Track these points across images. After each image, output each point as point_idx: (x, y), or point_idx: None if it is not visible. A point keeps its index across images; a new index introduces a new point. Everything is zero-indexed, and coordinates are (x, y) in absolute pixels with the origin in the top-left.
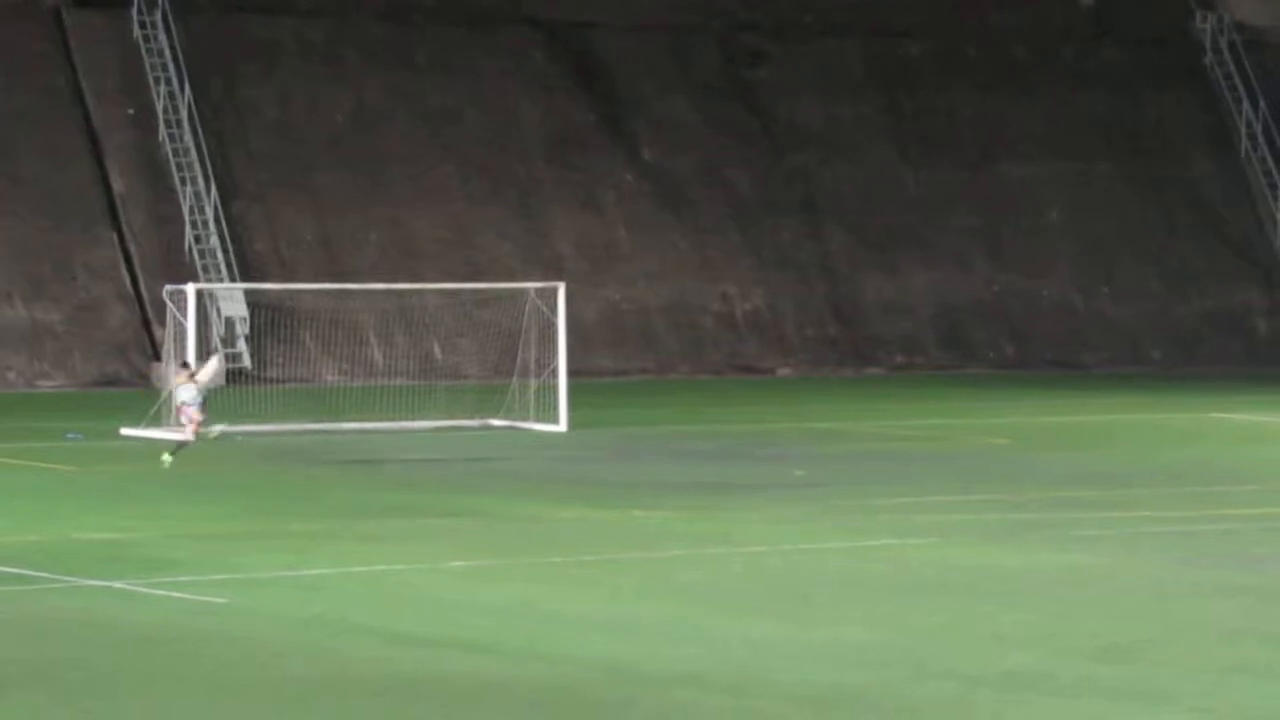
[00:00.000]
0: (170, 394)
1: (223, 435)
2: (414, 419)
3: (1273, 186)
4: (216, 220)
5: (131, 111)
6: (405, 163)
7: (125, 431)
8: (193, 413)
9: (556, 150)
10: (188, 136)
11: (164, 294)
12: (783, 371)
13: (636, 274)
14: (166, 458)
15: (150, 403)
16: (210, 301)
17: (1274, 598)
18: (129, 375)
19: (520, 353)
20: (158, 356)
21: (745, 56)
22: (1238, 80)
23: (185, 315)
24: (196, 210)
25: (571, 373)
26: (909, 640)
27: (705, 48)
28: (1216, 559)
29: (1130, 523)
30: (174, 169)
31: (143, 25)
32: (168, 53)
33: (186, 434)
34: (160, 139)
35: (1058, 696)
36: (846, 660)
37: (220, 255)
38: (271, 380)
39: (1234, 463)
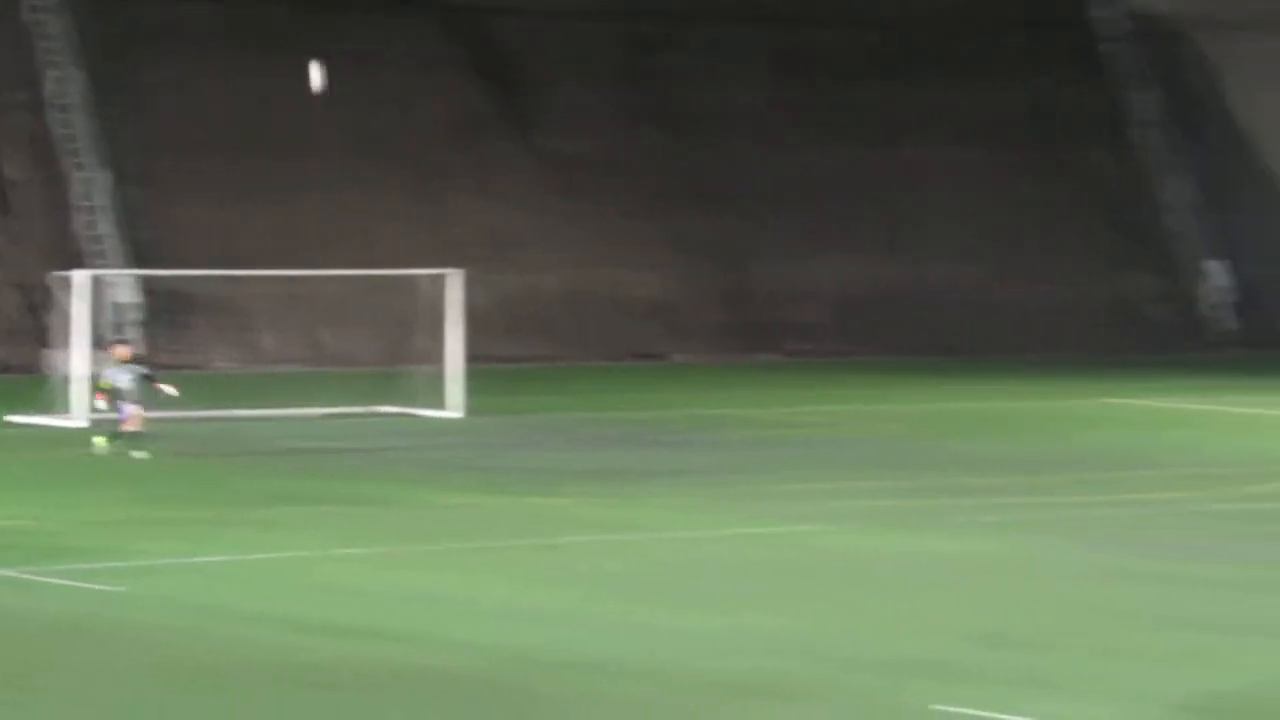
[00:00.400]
0: (89, 377)
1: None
2: (307, 406)
3: (1166, 173)
4: (108, 206)
5: (23, 96)
6: (302, 148)
7: (13, 419)
8: (130, 409)
9: (455, 136)
10: (80, 121)
11: (48, 280)
12: (680, 358)
13: (534, 260)
14: (100, 441)
15: (39, 389)
16: (101, 288)
17: (1168, 582)
18: (19, 362)
19: (415, 339)
20: (47, 343)
21: (646, 43)
22: (1133, 67)
23: (73, 302)
24: (88, 196)
25: (468, 359)
26: (803, 626)
27: (606, 33)
28: (1112, 544)
29: (1025, 509)
30: (65, 154)
31: (34, 8)
32: (59, 36)
33: (133, 424)
34: (51, 123)
35: (950, 681)
36: (744, 647)
37: (112, 241)
38: (163, 367)
39: (1129, 448)
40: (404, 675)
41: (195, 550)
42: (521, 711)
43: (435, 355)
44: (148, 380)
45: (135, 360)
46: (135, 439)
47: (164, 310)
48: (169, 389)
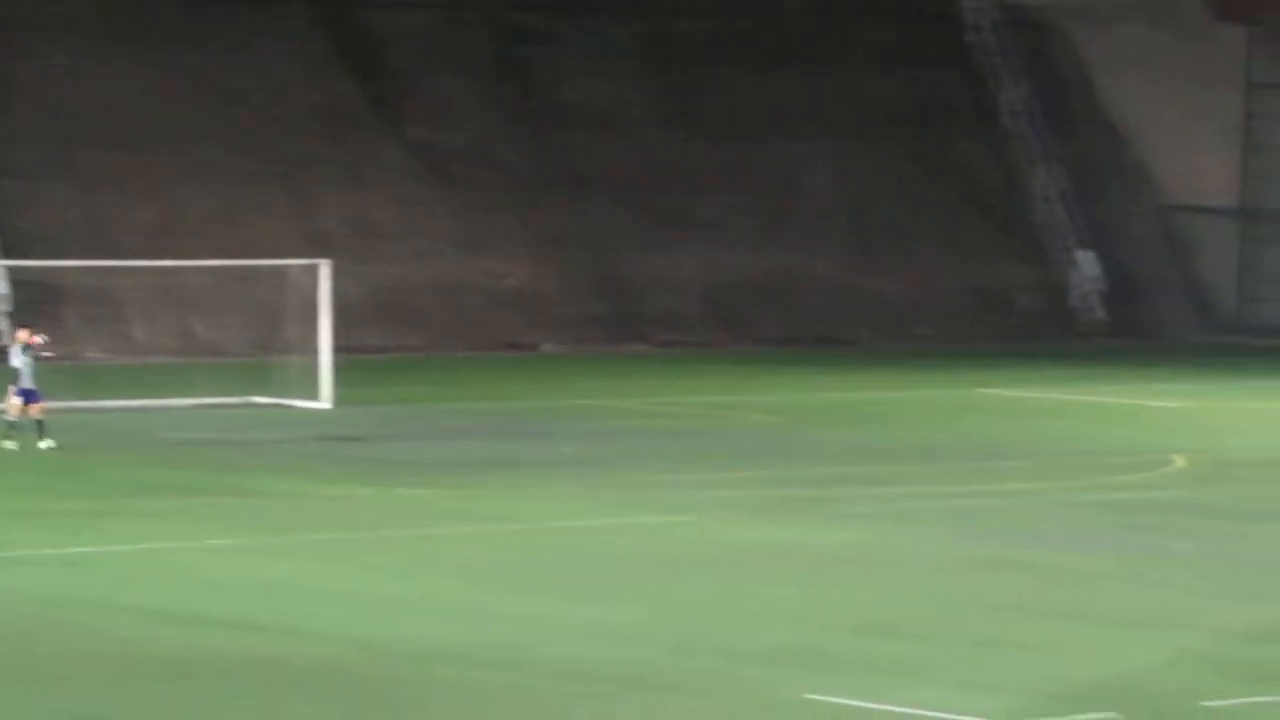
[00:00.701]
0: None
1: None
2: (179, 397)
3: (1036, 164)
4: None
5: None
6: (173, 139)
7: None
8: (16, 402)
9: (325, 127)
10: None
11: None
12: (550, 348)
13: (404, 251)
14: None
15: None
16: None
17: (1040, 573)
18: None
19: (287, 330)
20: None
21: (515, 34)
22: (1003, 58)
23: None
24: None
25: (339, 349)
26: (675, 617)
27: (476, 25)
28: (984, 534)
29: (898, 499)
30: None
31: None
32: None
33: (32, 412)
34: None
35: (823, 671)
36: (613, 637)
37: None
38: (33, 358)
39: (1000, 438)
40: (271, 666)
41: (62, 541)
42: (386, 702)
43: (307, 346)
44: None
45: (33, 345)
46: (22, 427)
47: (33, 301)
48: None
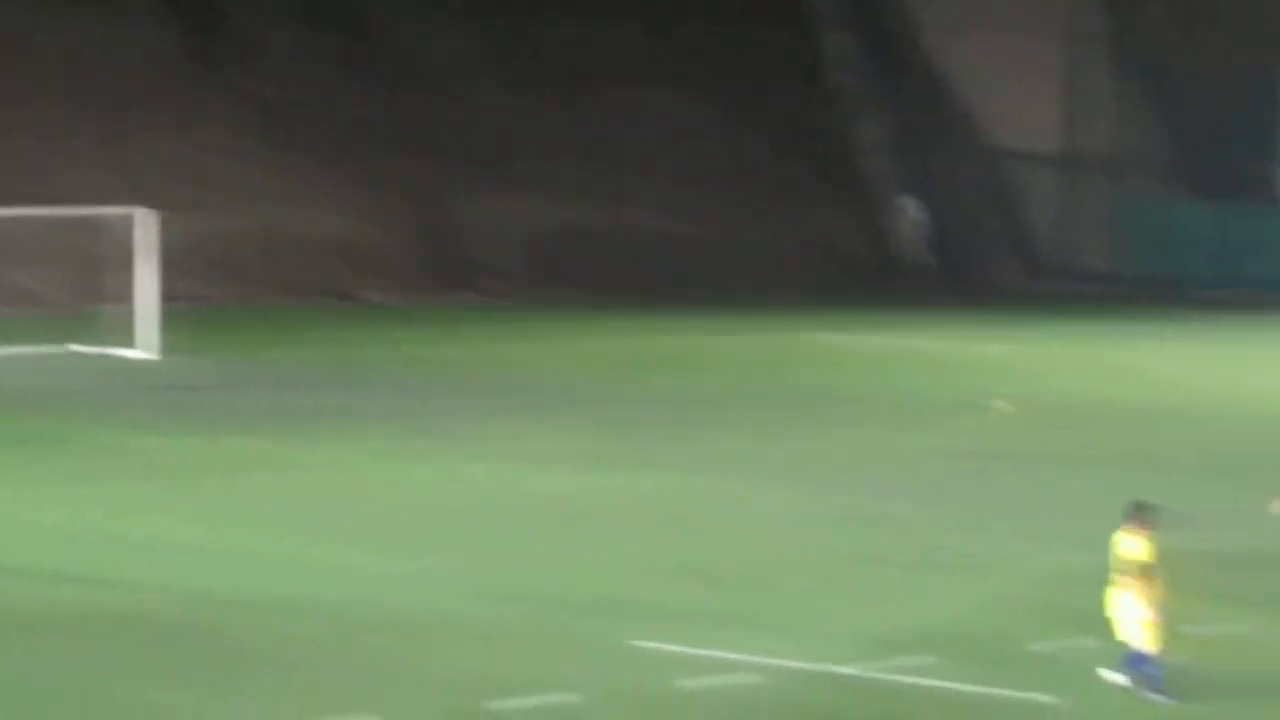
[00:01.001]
0: None
1: None
2: None
3: (863, 114)
4: None
5: None
6: None
7: None
8: None
9: (151, 78)
10: None
11: None
12: (374, 298)
13: (229, 201)
14: None
15: None
16: None
17: (866, 520)
18: None
19: (108, 279)
20: None
21: None
22: (829, 10)
23: None
24: None
25: (162, 299)
26: (498, 566)
27: None
28: (808, 481)
29: (723, 447)
30: None
31: None
32: None
33: None
34: None
35: (649, 619)
36: (436, 586)
37: None
38: None
39: (826, 385)
40: (90, 618)
41: None
42: (207, 651)
43: (129, 295)
44: None
45: None
46: None
47: None
48: None
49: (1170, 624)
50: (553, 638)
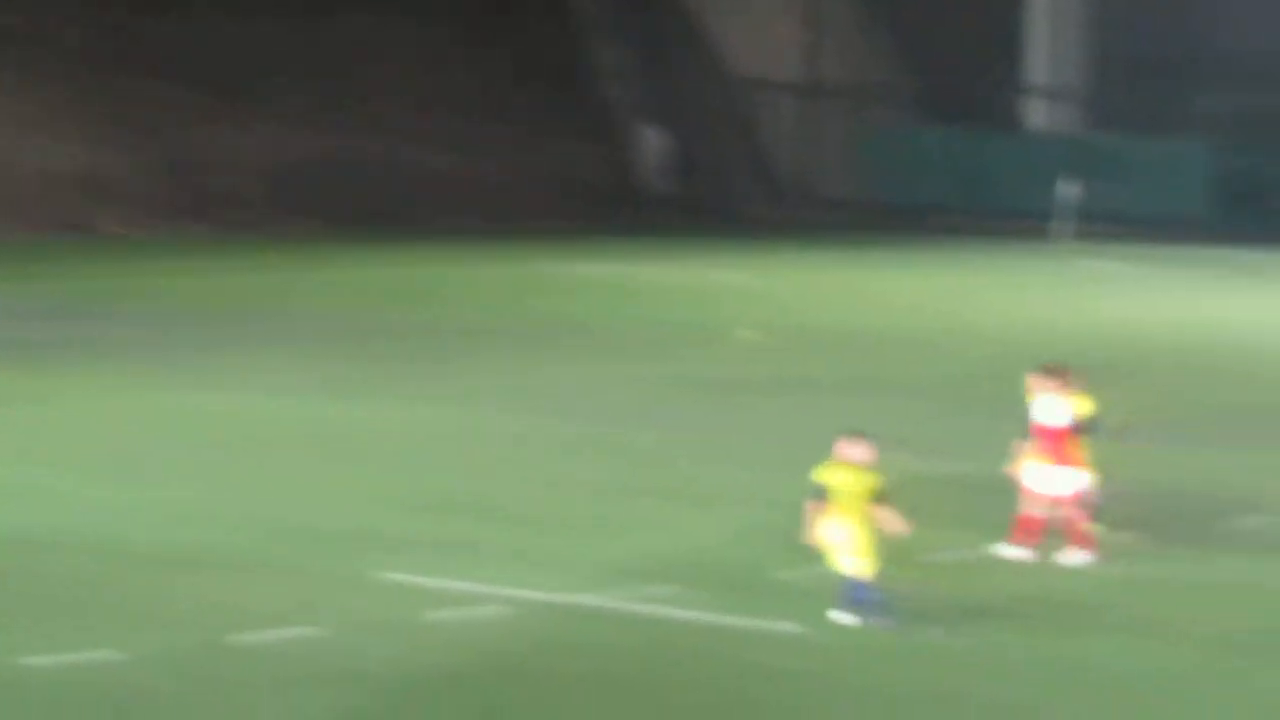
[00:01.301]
0: None
1: None
2: None
3: (604, 39)
4: None
5: None
6: None
7: None
8: None
9: None
10: None
11: None
12: (111, 229)
13: None
14: None
15: None
16: None
17: (606, 449)
18: None
19: None
20: None
21: None
22: None
23: None
24: None
25: None
26: (240, 498)
27: None
28: (549, 412)
29: (462, 378)
30: None
31: None
32: None
33: None
34: None
35: (393, 551)
36: (182, 519)
37: None
38: None
39: (567, 315)
40: None
41: None
42: None
43: None
44: None
45: None
46: None
47: None
48: None
49: (900, 551)
50: (297, 570)
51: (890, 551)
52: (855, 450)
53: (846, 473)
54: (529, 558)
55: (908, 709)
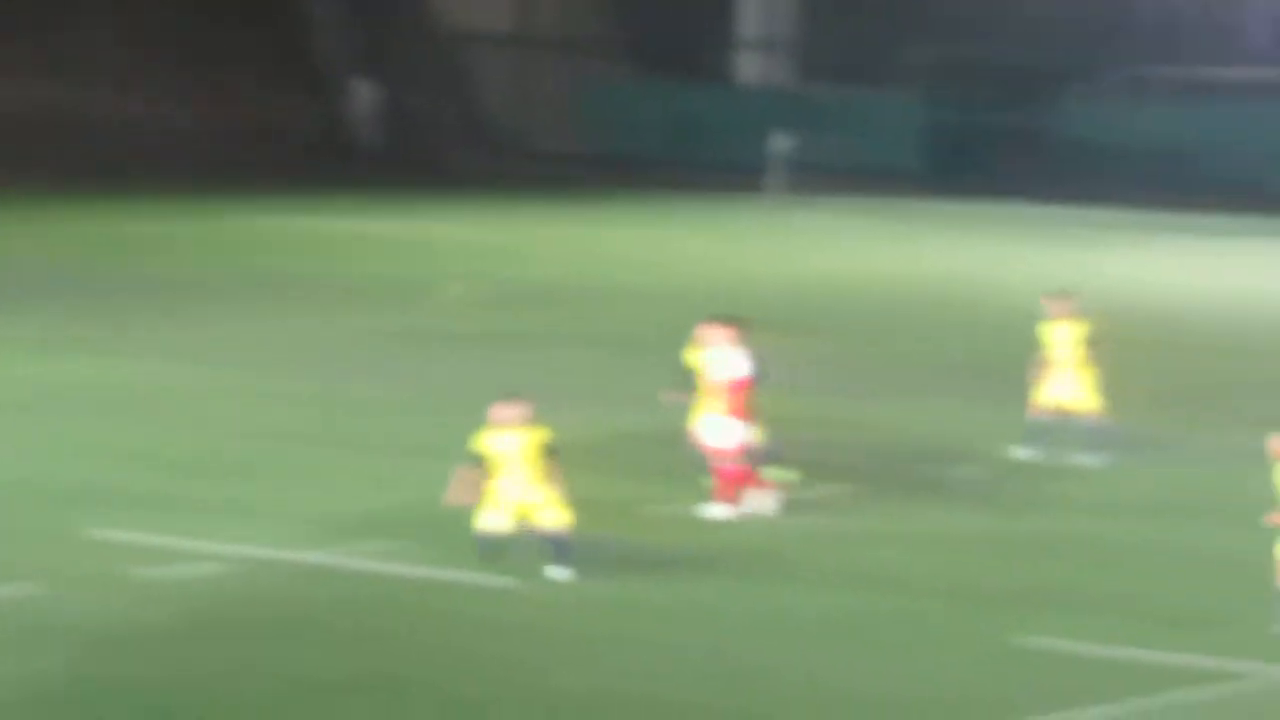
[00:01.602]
0: None
1: None
2: None
3: None
4: None
5: None
6: None
7: None
8: None
9: None
10: None
11: None
12: None
13: None
14: None
15: None
16: None
17: (324, 404)
18: None
19: None
20: None
21: None
22: None
23: None
24: None
25: None
26: None
27: None
28: (267, 367)
29: (180, 334)
30: None
31: None
32: None
33: None
34: None
35: (105, 509)
36: None
37: None
38: None
39: (279, 271)
40: None
41: None
42: None
43: None
44: None
45: None
46: None
47: None
48: None
49: (615, 506)
50: (6, 528)
51: (603, 507)
52: (510, 412)
53: (514, 434)
54: (244, 513)
55: (617, 656)
